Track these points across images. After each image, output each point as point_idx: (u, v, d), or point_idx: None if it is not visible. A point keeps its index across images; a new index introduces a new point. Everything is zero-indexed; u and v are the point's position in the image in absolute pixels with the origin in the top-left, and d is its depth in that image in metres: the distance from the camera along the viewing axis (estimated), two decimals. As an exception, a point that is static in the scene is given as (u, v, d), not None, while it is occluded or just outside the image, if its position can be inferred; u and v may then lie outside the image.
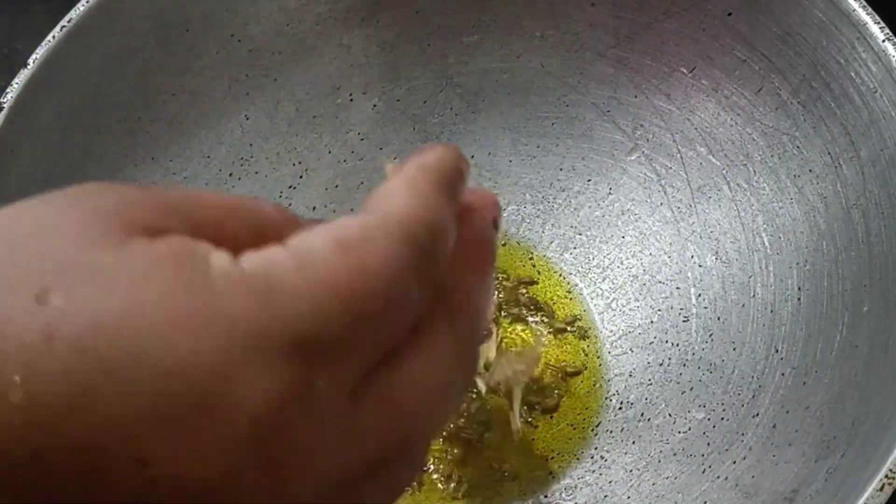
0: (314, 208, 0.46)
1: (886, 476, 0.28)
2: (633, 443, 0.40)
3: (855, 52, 0.35)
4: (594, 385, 0.42)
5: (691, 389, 0.40)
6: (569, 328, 0.43)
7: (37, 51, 0.37)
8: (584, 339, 0.43)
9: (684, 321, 0.42)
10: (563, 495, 0.39)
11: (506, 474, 0.40)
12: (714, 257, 0.42)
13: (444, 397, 0.18)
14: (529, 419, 0.41)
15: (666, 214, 0.44)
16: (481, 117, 0.46)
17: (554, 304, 0.44)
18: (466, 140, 0.46)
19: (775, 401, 0.37)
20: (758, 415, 0.37)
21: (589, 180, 0.45)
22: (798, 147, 0.38)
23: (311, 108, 0.45)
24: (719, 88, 0.41)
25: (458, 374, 0.18)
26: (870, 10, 0.35)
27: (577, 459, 0.40)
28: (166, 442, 0.14)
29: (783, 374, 0.37)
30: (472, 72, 0.45)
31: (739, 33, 0.39)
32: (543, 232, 0.46)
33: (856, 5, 0.35)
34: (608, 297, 0.44)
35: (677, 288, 0.42)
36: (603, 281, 0.44)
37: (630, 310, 0.43)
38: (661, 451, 0.39)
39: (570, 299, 0.44)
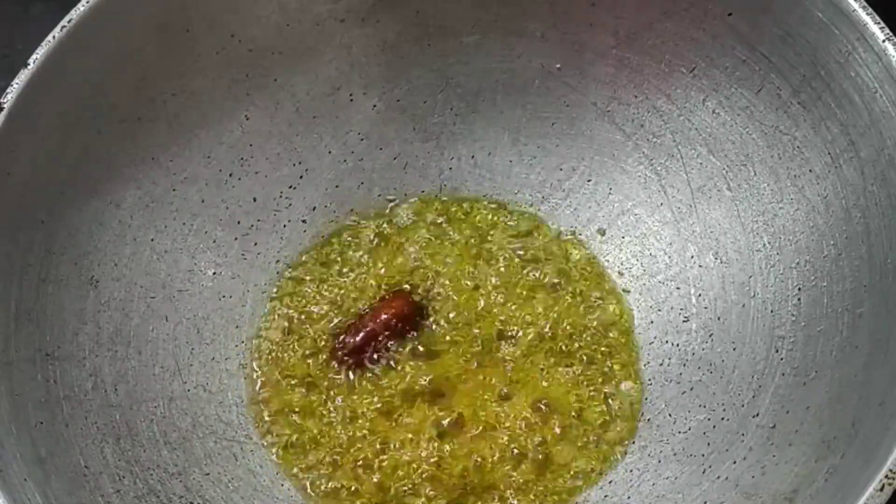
0: (314, 208, 0.46)
1: (886, 476, 0.28)
2: (633, 442, 0.40)
3: (855, 52, 0.35)
4: (594, 385, 0.42)
5: (691, 389, 0.40)
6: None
7: (37, 51, 0.37)
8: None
9: (684, 321, 0.42)
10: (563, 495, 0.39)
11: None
12: (714, 257, 0.42)
13: None
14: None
15: (666, 214, 0.44)
16: (481, 117, 0.46)
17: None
18: (466, 140, 0.46)
19: (775, 401, 0.37)
20: (758, 415, 0.37)
21: (589, 180, 0.45)
22: (798, 147, 0.38)
23: (311, 108, 0.45)
24: (719, 88, 0.41)
25: None
26: (870, 10, 0.35)
27: (577, 459, 0.40)
28: None
29: (783, 374, 0.37)
30: (472, 72, 0.45)
31: (739, 33, 0.39)
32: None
33: (856, 5, 0.35)
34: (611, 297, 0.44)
35: (677, 288, 0.43)
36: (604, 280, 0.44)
37: (630, 310, 0.43)
38: (661, 452, 0.39)
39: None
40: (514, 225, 0.46)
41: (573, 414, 0.41)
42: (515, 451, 0.40)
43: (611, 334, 0.43)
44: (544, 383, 0.42)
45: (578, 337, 0.43)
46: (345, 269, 0.45)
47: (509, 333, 0.43)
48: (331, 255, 0.46)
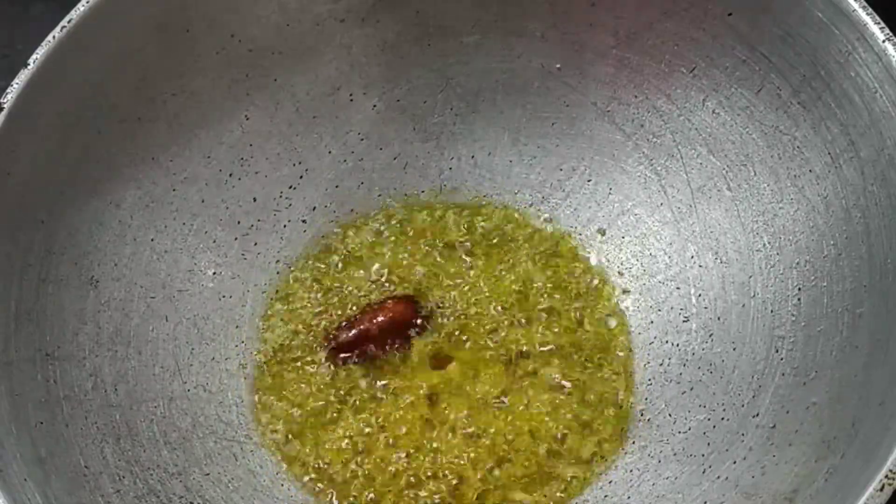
0: (314, 208, 0.46)
1: (886, 476, 0.28)
2: (633, 443, 0.40)
3: (855, 52, 0.35)
4: (594, 385, 0.42)
5: (691, 389, 0.40)
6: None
7: (37, 51, 0.37)
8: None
9: (684, 321, 0.42)
10: (563, 495, 0.39)
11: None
12: (714, 257, 0.42)
13: None
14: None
15: (666, 214, 0.44)
16: (481, 117, 0.46)
17: (554, 304, 0.44)
18: (466, 140, 0.46)
19: (775, 401, 0.37)
20: (758, 415, 0.37)
21: (589, 180, 0.45)
22: (798, 147, 0.38)
23: (311, 108, 0.45)
24: (719, 88, 0.41)
25: None
26: (870, 10, 0.35)
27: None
28: None
29: (783, 374, 0.37)
30: (472, 72, 0.45)
31: (739, 33, 0.39)
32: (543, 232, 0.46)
33: (856, 5, 0.35)
34: (608, 298, 0.44)
35: (677, 288, 0.43)
36: (602, 281, 0.44)
37: (630, 310, 0.43)
38: (661, 452, 0.39)
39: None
40: (516, 229, 0.46)
41: (567, 423, 0.41)
42: (506, 455, 0.40)
43: (611, 342, 0.43)
44: (539, 397, 0.42)
45: (578, 349, 0.43)
46: (347, 271, 0.45)
47: (509, 346, 0.43)
48: (332, 256, 0.46)
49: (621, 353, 0.42)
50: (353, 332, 0.43)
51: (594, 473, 0.40)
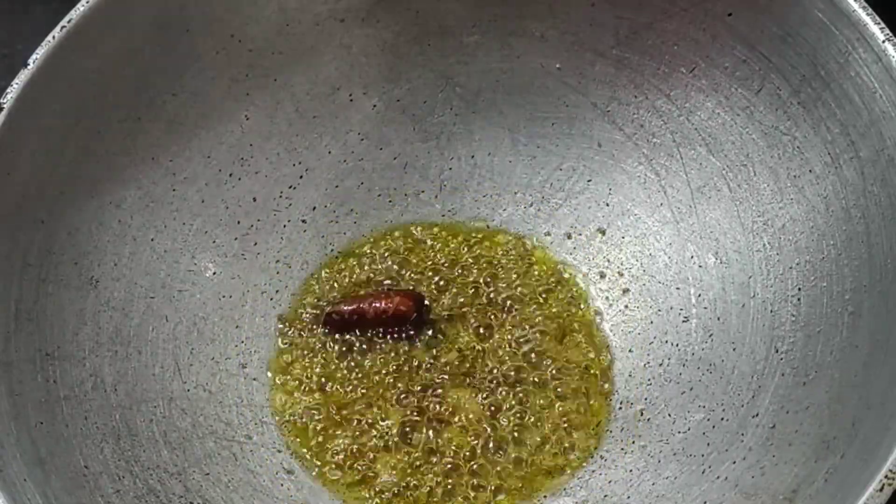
0: (314, 208, 0.46)
1: (886, 476, 0.28)
2: (633, 442, 0.40)
3: (855, 52, 0.35)
4: (594, 385, 0.42)
5: (691, 389, 0.40)
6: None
7: (37, 51, 0.37)
8: (584, 339, 0.43)
9: (684, 321, 0.42)
10: (563, 495, 0.39)
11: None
12: (714, 257, 0.42)
13: None
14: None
15: (666, 214, 0.44)
16: (481, 117, 0.46)
17: (554, 304, 0.44)
18: (466, 140, 0.46)
19: (775, 401, 0.37)
20: (758, 415, 0.37)
21: (589, 180, 0.45)
22: (798, 147, 0.38)
23: (311, 108, 0.45)
24: (719, 88, 0.41)
25: None
26: (870, 10, 0.35)
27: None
28: None
29: (783, 374, 0.37)
30: (472, 72, 0.45)
31: (739, 33, 0.39)
32: (543, 232, 0.46)
33: (856, 5, 0.35)
34: (608, 298, 0.44)
35: (677, 288, 0.43)
36: (602, 281, 0.44)
37: (630, 310, 0.43)
38: (661, 451, 0.39)
39: (570, 299, 0.44)
40: (515, 229, 0.46)
41: (563, 420, 0.41)
42: (503, 455, 0.40)
43: (609, 341, 0.43)
44: (535, 396, 0.42)
45: (575, 347, 0.43)
46: (346, 270, 0.45)
47: (505, 346, 0.43)
48: (331, 255, 0.46)
49: (614, 352, 0.42)
50: (352, 307, 0.43)
51: (590, 467, 0.40)
